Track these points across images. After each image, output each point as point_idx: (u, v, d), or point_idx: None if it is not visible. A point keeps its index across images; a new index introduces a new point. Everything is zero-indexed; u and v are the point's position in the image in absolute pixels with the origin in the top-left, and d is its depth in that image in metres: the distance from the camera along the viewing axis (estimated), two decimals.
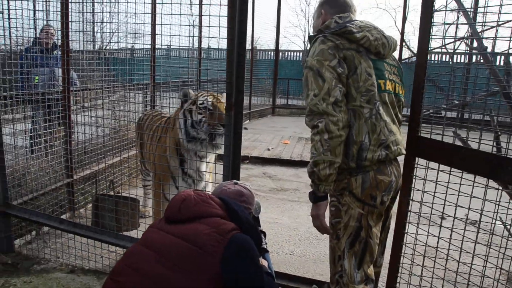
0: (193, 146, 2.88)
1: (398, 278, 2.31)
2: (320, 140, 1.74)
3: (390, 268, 2.30)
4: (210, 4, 2.76)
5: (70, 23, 3.59)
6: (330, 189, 1.83)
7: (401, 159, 1.98)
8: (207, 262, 1.57)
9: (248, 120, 11.85)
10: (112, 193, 3.15)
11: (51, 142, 4.01)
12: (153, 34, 5.47)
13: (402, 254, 2.26)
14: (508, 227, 2.34)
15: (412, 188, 2.18)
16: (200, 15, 7.23)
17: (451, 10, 2.09)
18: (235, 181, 2.11)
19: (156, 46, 5.51)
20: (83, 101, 5.31)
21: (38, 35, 5.05)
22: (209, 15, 2.71)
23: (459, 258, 2.08)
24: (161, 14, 3.08)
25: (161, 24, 2.92)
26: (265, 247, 2.12)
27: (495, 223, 2.02)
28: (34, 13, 4.36)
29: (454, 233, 2.10)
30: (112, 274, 1.64)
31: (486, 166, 1.83)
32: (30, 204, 3.44)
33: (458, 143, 2.18)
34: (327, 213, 1.93)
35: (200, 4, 6.84)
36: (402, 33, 10.81)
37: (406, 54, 11.67)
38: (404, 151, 1.91)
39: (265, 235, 2.14)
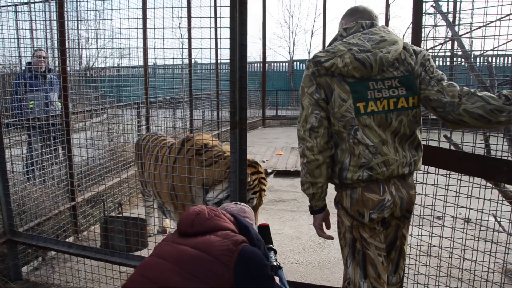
0: None
1: (405, 278, 2.41)
2: (302, 163, 1.93)
3: None
4: (210, 28, 2.85)
5: (67, 50, 3.68)
6: (321, 204, 1.99)
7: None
8: (221, 271, 1.66)
9: None
10: (120, 215, 3.20)
11: (51, 167, 4.05)
12: (145, 55, 5.57)
13: (408, 255, 2.36)
14: (500, 222, 2.46)
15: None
16: (189, 36, 7.36)
17: (438, 26, 2.21)
18: (236, 202, 2.22)
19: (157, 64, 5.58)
20: (79, 123, 5.36)
21: (30, 60, 5.10)
22: (210, 37, 2.82)
23: (463, 255, 2.19)
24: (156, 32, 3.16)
25: (159, 48, 3.02)
26: (276, 264, 2.12)
27: (496, 221, 2.13)
28: (18, 40, 4.40)
29: (452, 232, 2.21)
30: (125, 284, 1.72)
31: (483, 168, 1.95)
32: (35, 230, 3.47)
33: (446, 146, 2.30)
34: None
35: (189, 28, 6.95)
36: None
37: None
38: (403, 170, 1.83)
39: (275, 252, 2.14)
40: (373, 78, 1.81)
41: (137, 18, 3.17)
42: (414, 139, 1.89)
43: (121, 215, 3.14)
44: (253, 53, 17.26)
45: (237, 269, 1.68)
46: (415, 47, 1.91)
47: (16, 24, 4.70)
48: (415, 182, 2.29)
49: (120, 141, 5.15)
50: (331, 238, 2.08)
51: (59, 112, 4.79)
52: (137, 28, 3.21)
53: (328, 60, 1.81)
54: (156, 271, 1.71)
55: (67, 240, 3.81)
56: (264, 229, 2.18)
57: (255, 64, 17.46)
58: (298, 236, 4.24)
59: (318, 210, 2.02)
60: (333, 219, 2.01)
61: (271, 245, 2.20)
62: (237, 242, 1.74)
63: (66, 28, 3.53)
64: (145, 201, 4.30)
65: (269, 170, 3.21)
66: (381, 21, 2.06)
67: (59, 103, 5.51)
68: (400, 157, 1.83)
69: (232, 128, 2.56)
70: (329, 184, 1.97)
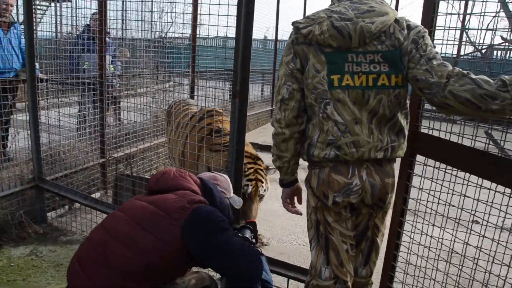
0: None
1: (393, 277, 2.25)
2: (272, 134, 1.86)
3: (385, 266, 2.25)
4: None
5: (108, 11, 3.85)
6: (289, 178, 1.92)
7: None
8: (171, 227, 1.70)
9: None
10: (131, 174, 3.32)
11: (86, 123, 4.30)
12: (194, 24, 5.62)
13: (398, 253, 2.20)
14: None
15: (410, 185, 2.11)
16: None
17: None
18: (213, 171, 2.23)
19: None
20: (127, 86, 5.59)
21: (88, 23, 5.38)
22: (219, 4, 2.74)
23: (449, 259, 1.99)
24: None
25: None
26: (251, 239, 2.10)
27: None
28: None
29: (449, 234, 2.00)
30: (89, 234, 1.85)
31: (481, 165, 1.72)
32: (64, 181, 3.71)
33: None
34: None
35: None
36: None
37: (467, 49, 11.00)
38: (376, 155, 1.67)
39: (251, 231, 2.15)
40: (354, 50, 1.64)
41: None
42: (395, 123, 1.70)
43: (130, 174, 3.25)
44: None
45: (187, 225, 1.71)
46: (411, 22, 1.69)
47: None
48: (413, 173, 2.10)
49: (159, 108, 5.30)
50: (298, 213, 2.03)
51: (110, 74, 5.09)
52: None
53: (306, 27, 1.67)
54: (112, 222, 1.82)
55: (95, 194, 4.06)
56: (251, 224, 2.21)
57: None
58: None
59: (286, 184, 1.94)
60: None
61: (250, 226, 2.18)
62: (192, 201, 1.77)
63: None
64: (171, 165, 4.41)
65: (270, 167, 3.15)
66: None
67: (111, 67, 5.82)
68: (374, 139, 1.67)
69: (232, 98, 2.51)
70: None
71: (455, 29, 1.99)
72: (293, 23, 1.74)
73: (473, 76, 1.48)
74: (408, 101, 1.75)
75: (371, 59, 1.64)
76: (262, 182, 3.14)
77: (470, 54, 10.37)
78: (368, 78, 1.64)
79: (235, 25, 2.43)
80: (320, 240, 1.82)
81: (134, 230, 1.70)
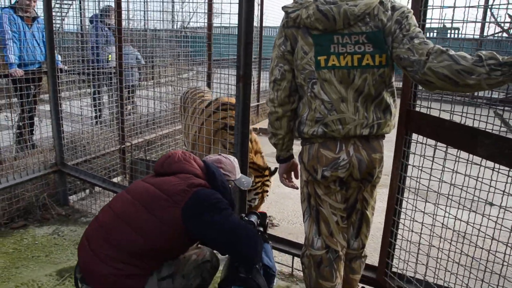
0: None
1: (390, 253, 2.31)
2: (267, 113, 1.97)
3: (383, 241, 2.31)
4: None
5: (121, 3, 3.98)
6: (285, 154, 2.04)
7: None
8: (172, 209, 1.78)
9: None
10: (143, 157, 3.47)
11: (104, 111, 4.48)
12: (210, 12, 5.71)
13: (395, 230, 2.26)
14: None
15: (403, 162, 2.16)
16: None
17: None
18: (220, 153, 2.29)
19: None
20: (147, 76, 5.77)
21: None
22: None
23: (442, 234, 2.04)
24: None
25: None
26: (265, 235, 2.14)
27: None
28: None
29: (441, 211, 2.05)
30: (98, 214, 1.96)
31: (466, 140, 1.76)
32: (85, 166, 3.91)
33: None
34: None
35: None
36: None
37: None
38: (361, 131, 1.76)
39: (259, 217, 2.17)
40: (339, 32, 1.71)
41: None
42: (381, 101, 1.78)
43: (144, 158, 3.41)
44: None
45: (187, 208, 1.78)
46: (396, 4, 1.74)
47: None
48: (407, 151, 2.14)
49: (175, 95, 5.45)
50: (295, 187, 2.14)
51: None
52: None
53: (295, 11, 1.76)
54: (118, 202, 1.91)
55: (114, 179, 4.25)
56: (261, 215, 2.24)
57: None
58: None
59: (283, 160, 2.07)
60: None
61: (257, 213, 2.24)
62: (192, 185, 1.84)
63: None
64: (185, 149, 4.56)
65: (272, 168, 3.29)
66: None
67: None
68: (359, 117, 1.75)
69: (237, 82, 2.61)
70: None
71: (440, 7, 2.01)
72: (283, 8, 1.82)
73: (451, 52, 1.53)
74: (393, 80, 1.82)
75: (356, 40, 1.71)
76: (267, 192, 3.31)
77: (495, 35, 9.99)
78: (353, 58, 1.71)
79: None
80: (312, 212, 1.93)
81: (139, 212, 1.79)
